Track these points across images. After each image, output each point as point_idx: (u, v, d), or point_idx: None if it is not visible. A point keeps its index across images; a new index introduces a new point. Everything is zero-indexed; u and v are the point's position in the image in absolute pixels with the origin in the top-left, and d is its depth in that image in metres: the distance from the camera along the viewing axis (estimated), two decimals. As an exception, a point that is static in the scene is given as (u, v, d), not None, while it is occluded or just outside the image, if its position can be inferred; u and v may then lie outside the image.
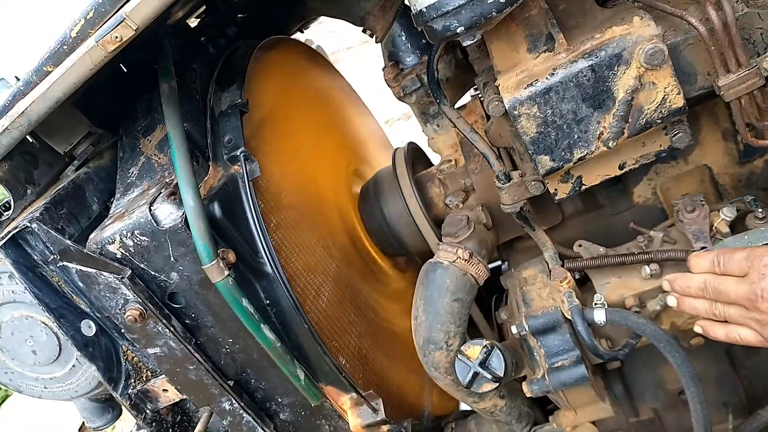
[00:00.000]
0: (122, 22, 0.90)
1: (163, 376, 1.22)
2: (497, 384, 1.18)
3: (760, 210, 1.17)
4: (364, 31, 1.56)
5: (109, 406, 1.41)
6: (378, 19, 1.49)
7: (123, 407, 1.33)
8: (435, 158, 1.65)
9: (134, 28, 0.91)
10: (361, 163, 1.86)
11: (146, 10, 0.90)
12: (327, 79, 1.94)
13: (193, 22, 1.77)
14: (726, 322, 1.04)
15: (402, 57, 1.49)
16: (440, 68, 1.41)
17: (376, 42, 1.53)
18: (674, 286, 1.11)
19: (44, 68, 1.01)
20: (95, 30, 0.96)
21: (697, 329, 1.10)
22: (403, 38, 1.48)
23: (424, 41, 1.47)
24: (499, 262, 1.76)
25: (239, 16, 1.74)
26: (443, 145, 1.54)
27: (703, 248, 1.15)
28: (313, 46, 1.96)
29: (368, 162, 1.91)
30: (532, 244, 1.37)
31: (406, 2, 1.43)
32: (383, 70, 1.50)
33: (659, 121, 1.02)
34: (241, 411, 1.22)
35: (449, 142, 1.53)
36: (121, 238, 1.08)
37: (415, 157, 1.66)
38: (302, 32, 1.90)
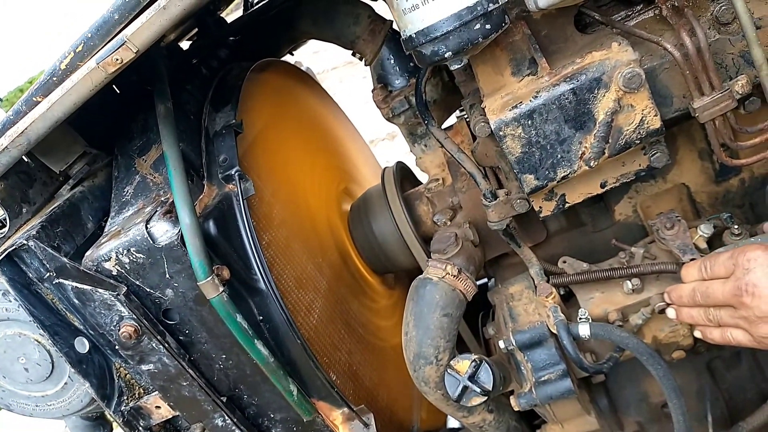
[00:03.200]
0: (123, 45, 0.93)
1: (156, 392, 1.22)
2: (486, 397, 1.20)
3: (736, 227, 1.22)
4: (354, 54, 1.60)
5: (99, 424, 1.41)
6: (367, 43, 1.53)
7: (114, 424, 1.33)
8: (423, 177, 1.69)
9: (135, 51, 0.94)
10: (351, 182, 1.89)
11: (146, 33, 0.93)
12: (316, 100, 1.98)
13: (184, 45, 1.80)
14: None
15: (390, 79, 1.53)
16: (428, 90, 1.45)
17: (366, 65, 1.57)
18: (671, 297, 1.14)
19: (33, 98, 1.03)
20: (84, 62, 0.98)
21: (697, 334, 1.12)
22: (392, 61, 1.52)
23: (411, 64, 1.51)
24: (485, 279, 1.79)
25: (231, 38, 1.77)
26: (431, 165, 1.58)
27: (692, 260, 1.17)
28: (303, 68, 2.00)
29: (357, 181, 1.94)
30: (517, 260, 1.40)
31: (395, 27, 1.48)
32: (372, 92, 1.53)
33: (638, 141, 1.07)
34: (234, 427, 1.22)
35: (436, 161, 1.57)
36: (117, 256, 1.10)
37: (403, 176, 1.69)
38: (292, 54, 1.94)
